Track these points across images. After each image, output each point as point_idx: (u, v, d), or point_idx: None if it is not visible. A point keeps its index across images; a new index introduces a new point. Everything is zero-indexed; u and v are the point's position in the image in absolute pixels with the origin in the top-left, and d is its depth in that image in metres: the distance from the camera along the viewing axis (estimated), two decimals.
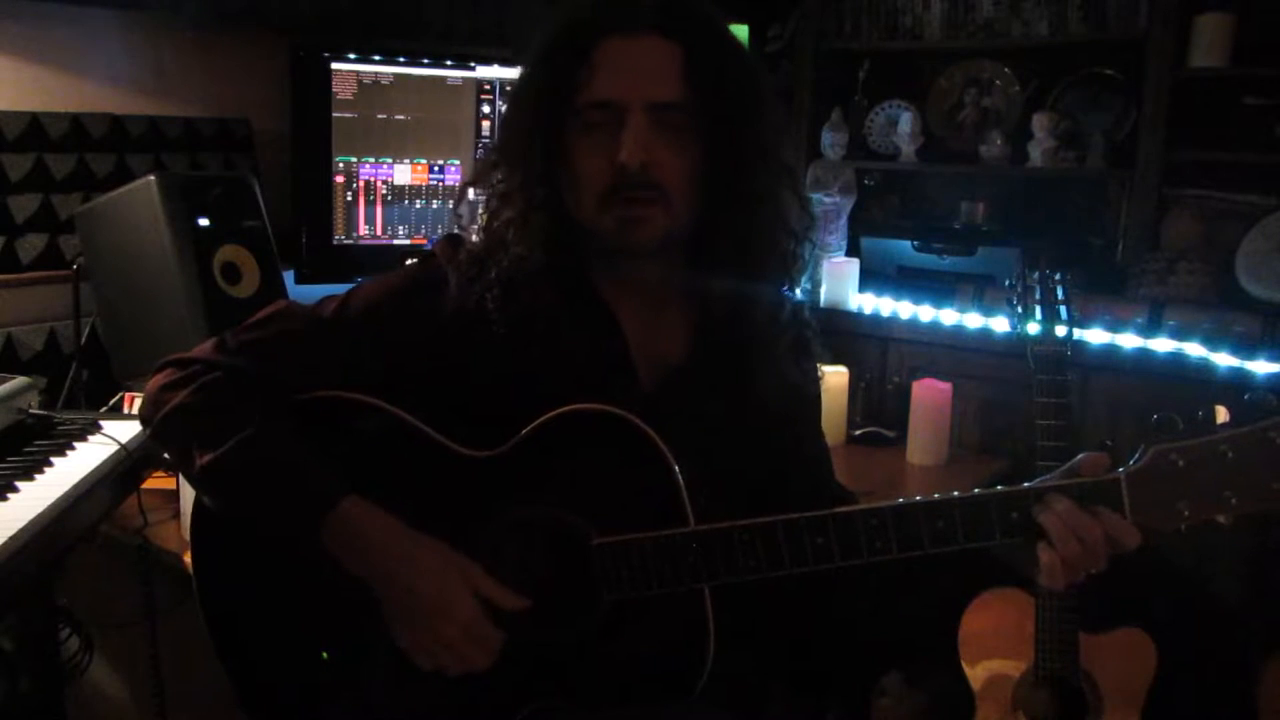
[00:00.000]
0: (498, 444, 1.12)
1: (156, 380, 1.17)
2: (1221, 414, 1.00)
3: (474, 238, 1.19)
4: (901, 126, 3.18)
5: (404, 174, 2.60)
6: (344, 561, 1.09)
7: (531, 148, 1.12)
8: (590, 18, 1.10)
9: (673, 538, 1.06)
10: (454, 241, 1.20)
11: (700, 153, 1.09)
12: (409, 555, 1.07)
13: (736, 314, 1.15)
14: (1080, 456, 1.04)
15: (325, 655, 1.17)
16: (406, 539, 1.08)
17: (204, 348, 1.18)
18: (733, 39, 1.14)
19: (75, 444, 1.55)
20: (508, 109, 1.19)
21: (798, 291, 1.23)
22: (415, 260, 1.24)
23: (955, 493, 1.03)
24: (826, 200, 3.01)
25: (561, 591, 1.10)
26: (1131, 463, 1.00)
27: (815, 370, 1.30)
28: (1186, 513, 0.98)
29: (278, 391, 1.16)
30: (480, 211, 1.19)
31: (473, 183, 1.20)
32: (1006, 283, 1.85)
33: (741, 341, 1.17)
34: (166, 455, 1.21)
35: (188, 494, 1.64)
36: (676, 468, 1.07)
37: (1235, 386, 2.30)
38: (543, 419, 1.10)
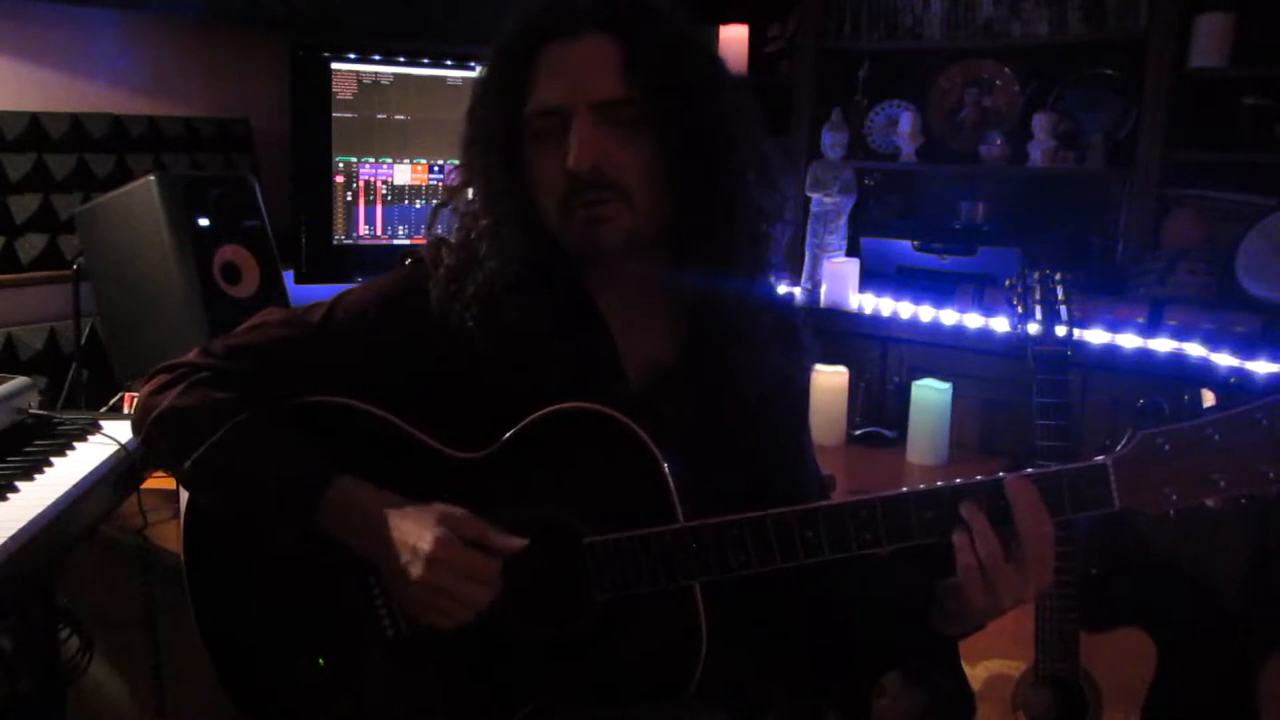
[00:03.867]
0: (486, 445, 1.12)
1: (146, 388, 1.17)
2: (1208, 398, 1.00)
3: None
4: (901, 126, 3.18)
5: (404, 174, 2.60)
6: (343, 539, 1.09)
7: (490, 162, 1.11)
8: (529, 26, 1.09)
9: (662, 535, 1.06)
10: (439, 245, 1.19)
11: (657, 146, 1.08)
12: (397, 516, 1.07)
13: (719, 307, 1.15)
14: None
15: (321, 659, 1.17)
16: (397, 504, 1.08)
17: (189, 355, 1.18)
18: (676, 27, 1.11)
19: (75, 444, 1.55)
20: (465, 124, 1.17)
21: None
22: (404, 264, 1.23)
23: (958, 480, 1.03)
24: (826, 200, 3.02)
25: (554, 591, 1.10)
26: (1118, 448, 1.00)
27: (803, 361, 1.29)
28: (1174, 496, 0.98)
29: (264, 393, 1.16)
30: (455, 226, 1.18)
31: (444, 203, 1.20)
32: (1006, 283, 1.85)
33: (728, 336, 1.16)
34: (160, 459, 1.21)
35: (187, 494, 1.64)
36: (665, 465, 1.07)
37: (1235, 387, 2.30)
38: (530, 419, 1.09)
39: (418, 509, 1.07)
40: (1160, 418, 1.00)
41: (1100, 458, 1.00)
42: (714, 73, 1.12)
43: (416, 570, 1.04)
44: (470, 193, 1.16)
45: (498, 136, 1.10)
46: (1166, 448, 0.98)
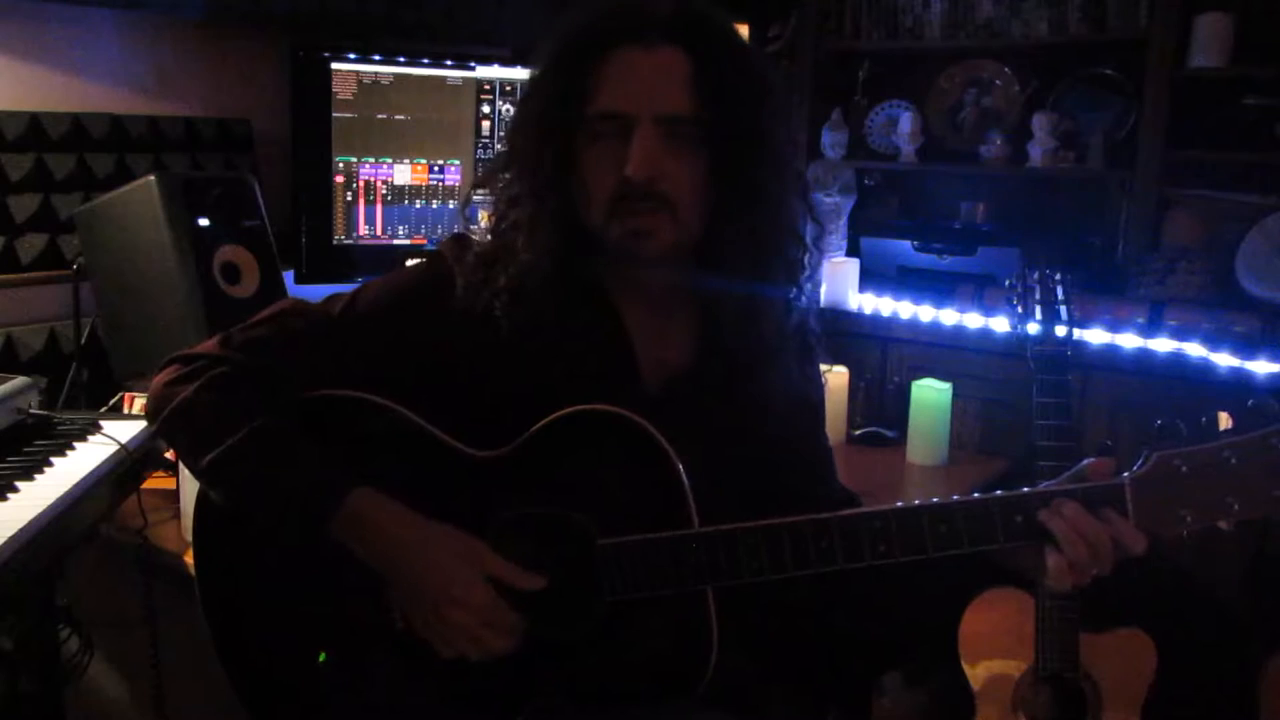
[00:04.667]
0: (503, 444, 1.12)
1: (161, 377, 1.17)
2: (1225, 420, 1.01)
3: (481, 238, 1.19)
4: (901, 126, 3.18)
5: (404, 174, 2.60)
6: (355, 551, 1.09)
7: (541, 154, 1.11)
8: (601, 26, 1.09)
9: (676, 539, 1.06)
10: (461, 241, 1.20)
11: (709, 163, 1.08)
12: (419, 542, 1.07)
13: (743, 319, 1.15)
14: (1086, 461, 1.04)
15: (328, 655, 1.17)
16: (417, 526, 1.08)
17: (209, 344, 1.19)
18: (745, 47, 1.13)
19: (75, 444, 1.55)
20: (517, 112, 1.18)
21: (805, 297, 1.22)
22: (422, 259, 1.24)
23: (957, 496, 1.03)
24: (826, 200, 3.02)
25: (565, 591, 1.10)
26: (1135, 468, 1.00)
27: (819, 374, 1.31)
28: (1189, 518, 0.99)
29: (284, 387, 1.16)
30: (489, 214, 1.18)
31: (481, 184, 1.20)
32: (1006, 283, 1.84)
33: (747, 346, 1.16)
34: (173, 451, 1.21)
35: (188, 494, 1.64)
36: (681, 468, 1.07)
37: (1235, 387, 2.30)
38: (548, 420, 1.10)
39: (439, 537, 1.08)
40: (1178, 439, 1.01)
41: (1121, 476, 1.00)
42: (773, 95, 1.13)
43: (440, 608, 1.05)
44: (507, 178, 1.16)
45: (553, 129, 1.10)
46: (1183, 469, 0.99)
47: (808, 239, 1.17)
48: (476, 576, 1.06)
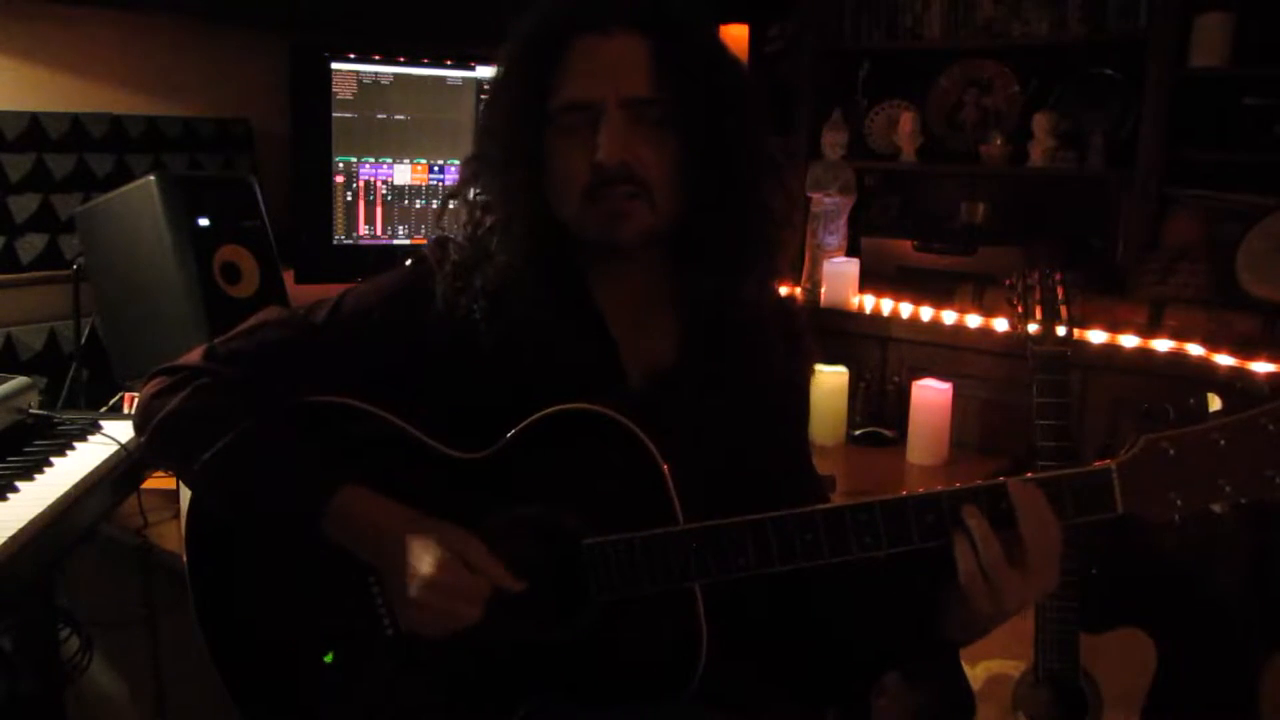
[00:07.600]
0: (487, 446, 1.12)
1: (147, 390, 1.17)
2: (1214, 402, 1.00)
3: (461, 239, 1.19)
4: (901, 126, 3.18)
5: (404, 174, 2.60)
6: (347, 547, 1.09)
7: (509, 155, 1.11)
8: (559, 19, 1.09)
9: (662, 536, 1.06)
10: (443, 244, 1.19)
11: (680, 147, 1.08)
12: (403, 533, 1.07)
13: (725, 309, 1.15)
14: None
15: (326, 659, 1.17)
16: (404, 519, 1.08)
17: (192, 356, 1.18)
18: (705, 29, 1.12)
19: (75, 444, 1.55)
20: (483, 116, 1.17)
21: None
22: (406, 263, 1.23)
23: (957, 484, 1.02)
24: (826, 200, 3.02)
25: (554, 592, 1.10)
26: (1123, 453, 0.99)
27: (805, 365, 1.28)
28: (1179, 502, 0.97)
29: (270, 395, 1.16)
30: (464, 220, 1.18)
31: (454, 194, 1.19)
32: (1006, 283, 1.85)
33: (731, 338, 1.16)
34: (164, 463, 1.21)
35: (188, 493, 1.64)
36: (665, 466, 1.07)
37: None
38: (531, 420, 1.10)
39: (424, 527, 1.07)
40: (1165, 422, 1.00)
41: (1105, 462, 0.99)
42: (737, 77, 1.13)
43: (413, 589, 1.05)
44: (479, 185, 1.16)
45: (519, 128, 1.10)
46: (1172, 453, 0.97)
47: (781, 217, 1.16)
48: (451, 559, 1.05)
